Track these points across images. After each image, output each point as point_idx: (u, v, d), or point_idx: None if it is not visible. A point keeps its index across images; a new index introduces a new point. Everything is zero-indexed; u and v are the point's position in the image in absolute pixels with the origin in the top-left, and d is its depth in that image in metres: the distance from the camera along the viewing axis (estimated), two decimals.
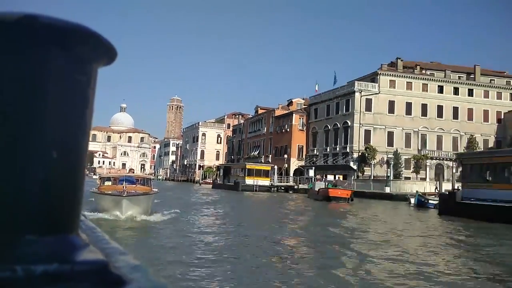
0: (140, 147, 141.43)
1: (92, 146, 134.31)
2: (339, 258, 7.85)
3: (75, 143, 0.46)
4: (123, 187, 13.29)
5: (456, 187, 19.48)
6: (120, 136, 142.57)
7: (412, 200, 26.28)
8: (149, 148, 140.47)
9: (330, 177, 38.65)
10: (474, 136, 45.95)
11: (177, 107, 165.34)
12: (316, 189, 30.55)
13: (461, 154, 25.19)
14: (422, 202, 24.23)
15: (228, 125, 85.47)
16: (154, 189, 15.84)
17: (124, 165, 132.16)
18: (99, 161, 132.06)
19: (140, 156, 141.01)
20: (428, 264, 7.49)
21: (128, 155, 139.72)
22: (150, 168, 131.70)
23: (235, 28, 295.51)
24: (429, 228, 14.80)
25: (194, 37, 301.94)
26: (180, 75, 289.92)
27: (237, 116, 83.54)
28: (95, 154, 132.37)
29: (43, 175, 0.43)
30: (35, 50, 0.42)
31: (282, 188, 45.42)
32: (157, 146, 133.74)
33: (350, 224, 14.62)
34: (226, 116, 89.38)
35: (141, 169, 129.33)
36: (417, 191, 28.78)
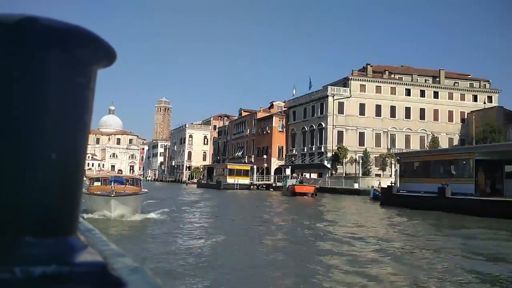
0: (129, 149, 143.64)
1: None
2: (269, 232, 11.32)
3: (74, 145, 0.47)
4: (112, 187, 13.55)
5: (394, 182, 23.17)
6: (109, 138, 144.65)
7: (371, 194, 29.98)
8: (138, 149, 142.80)
9: (306, 175, 42.32)
10: (436, 136, 49.92)
11: (165, 108, 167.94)
12: (287, 186, 34.16)
13: (399, 154, 28.94)
14: (376, 196, 27.88)
15: (214, 127, 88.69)
16: (143, 189, 16.13)
17: (113, 167, 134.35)
18: (88, 163, 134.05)
19: (129, 157, 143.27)
20: (351, 234, 10.80)
21: (117, 157, 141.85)
22: (139, 169, 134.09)
23: (223, 31, 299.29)
24: (365, 213, 18.45)
25: (181, 40, 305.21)
26: (168, 77, 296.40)
27: (223, 118, 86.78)
28: None
29: (42, 177, 0.43)
30: (34, 52, 0.42)
31: (264, 186, 48.98)
32: (146, 147, 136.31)
33: (303, 212, 18.14)
34: (212, 118, 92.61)
35: (130, 170, 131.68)
36: (372, 186, 32.54)
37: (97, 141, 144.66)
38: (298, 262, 7.27)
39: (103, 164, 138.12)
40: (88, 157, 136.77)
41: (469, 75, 58.14)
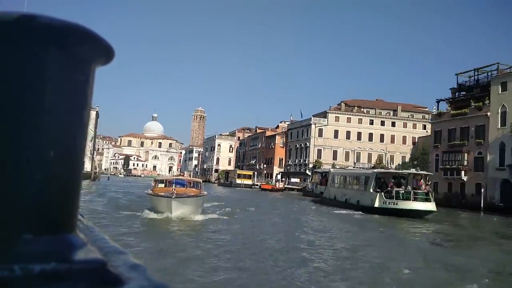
0: (169, 152, 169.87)
1: (128, 151, 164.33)
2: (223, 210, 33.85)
3: (73, 142, 0.47)
4: (173, 189, 14.65)
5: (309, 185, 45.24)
6: (151, 142, 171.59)
7: None
8: (176, 153, 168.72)
9: (293, 180, 64.60)
10: (392, 155, 70.34)
11: (201, 117, 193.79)
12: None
13: (312, 168, 50.83)
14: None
15: (238, 138, 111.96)
16: (203, 192, 17.08)
17: (155, 167, 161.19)
18: (133, 164, 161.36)
19: (168, 159, 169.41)
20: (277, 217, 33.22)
21: (158, 158, 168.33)
22: (177, 170, 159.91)
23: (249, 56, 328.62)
24: (294, 203, 40.68)
25: (220, 53, 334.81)
26: (204, 89, 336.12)
27: (246, 130, 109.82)
28: (130, 157, 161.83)
29: (40, 174, 0.44)
30: (33, 49, 0.43)
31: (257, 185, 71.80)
32: (183, 151, 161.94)
33: (258, 199, 40.51)
34: (237, 130, 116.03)
35: (169, 171, 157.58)
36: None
37: (142, 144, 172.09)
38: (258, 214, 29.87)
39: (146, 165, 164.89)
40: (134, 158, 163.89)
41: (426, 108, 78.00)
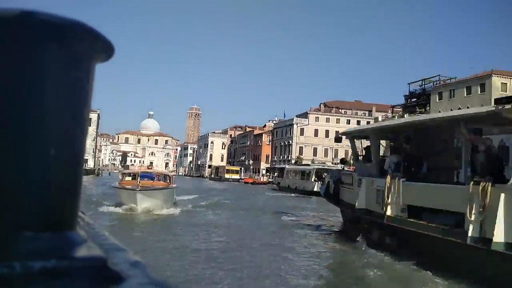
0: (165, 149, 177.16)
1: (125, 147, 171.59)
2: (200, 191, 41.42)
3: (73, 139, 0.48)
4: (137, 182, 14.59)
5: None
6: (148, 139, 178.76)
7: None
8: (172, 149, 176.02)
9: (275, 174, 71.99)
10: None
11: (196, 114, 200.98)
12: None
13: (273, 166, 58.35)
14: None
15: (230, 135, 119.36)
16: (173, 185, 17.37)
17: (151, 163, 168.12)
18: (131, 160, 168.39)
19: (165, 156, 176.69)
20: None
21: (155, 155, 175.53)
22: (173, 166, 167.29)
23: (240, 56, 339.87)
24: (260, 191, 48.38)
25: (216, 53, 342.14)
26: (199, 86, 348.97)
27: (237, 129, 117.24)
28: (128, 154, 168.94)
29: (41, 172, 0.44)
30: (32, 46, 0.43)
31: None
32: (179, 148, 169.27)
33: (234, 189, 48.05)
34: (229, 128, 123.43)
35: (165, 167, 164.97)
36: None
37: (138, 141, 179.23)
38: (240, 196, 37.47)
39: (143, 161, 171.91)
40: (131, 154, 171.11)
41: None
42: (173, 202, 16.75)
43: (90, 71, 0.49)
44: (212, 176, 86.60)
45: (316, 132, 79.23)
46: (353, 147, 12.55)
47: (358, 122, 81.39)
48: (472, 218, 6.16)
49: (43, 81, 0.44)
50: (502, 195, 5.80)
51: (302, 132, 78.92)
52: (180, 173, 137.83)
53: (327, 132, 79.28)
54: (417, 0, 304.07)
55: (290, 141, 79.60)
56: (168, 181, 18.06)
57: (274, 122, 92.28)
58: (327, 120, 79.74)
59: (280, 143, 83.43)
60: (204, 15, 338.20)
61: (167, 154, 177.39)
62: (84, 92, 0.49)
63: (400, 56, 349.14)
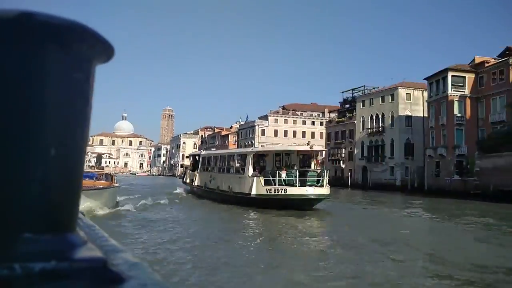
0: (139, 149, 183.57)
1: (100, 149, 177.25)
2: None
3: (73, 141, 0.48)
4: None
5: None
6: (122, 140, 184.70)
7: None
8: (146, 150, 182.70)
9: None
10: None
11: (169, 115, 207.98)
12: None
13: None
14: None
15: (201, 136, 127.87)
16: (115, 184, 17.23)
17: (126, 164, 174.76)
18: (106, 161, 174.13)
19: (139, 156, 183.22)
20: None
21: (129, 156, 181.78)
22: (147, 166, 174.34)
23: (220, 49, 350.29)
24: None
25: (186, 53, 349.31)
26: (172, 88, 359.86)
27: (208, 129, 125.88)
28: (102, 155, 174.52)
29: (41, 173, 0.45)
30: (32, 48, 0.43)
31: None
32: (153, 149, 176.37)
33: None
34: (200, 129, 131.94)
35: (140, 167, 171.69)
36: None
37: (113, 142, 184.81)
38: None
39: (118, 162, 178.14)
40: (106, 156, 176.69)
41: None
42: (114, 202, 16.61)
43: (91, 72, 0.49)
44: (182, 175, 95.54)
45: (275, 132, 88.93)
46: (191, 160, 31.35)
47: (313, 123, 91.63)
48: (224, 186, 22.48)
49: (43, 82, 0.44)
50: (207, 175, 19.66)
51: (263, 132, 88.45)
52: (154, 173, 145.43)
53: (285, 132, 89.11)
54: (363, 16, 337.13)
55: (252, 141, 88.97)
56: (110, 180, 18.04)
57: (240, 123, 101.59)
58: (285, 121, 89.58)
59: (245, 143, 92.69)
60: (176, 16, 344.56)
61: (141, 155, 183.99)
62: (85, 93, 0.49)
63: (344, 64, 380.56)
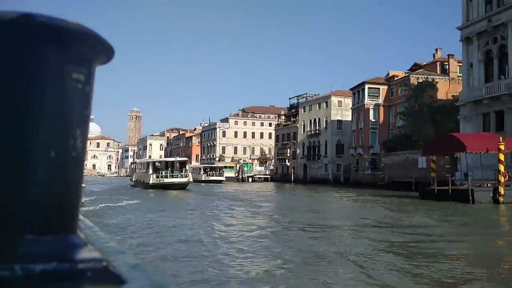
0: (107, 151, 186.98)
1: None
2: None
3: (73, 141, 0.49)
4: None
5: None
6: (90, 142, 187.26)
7: None
8: (114, 151, 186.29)
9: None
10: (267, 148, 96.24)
11: (136, 116, 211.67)
12: None
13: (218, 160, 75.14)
14: None
15: (167, 137, 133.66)
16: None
17: (94, 166, 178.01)
18: None
19: (107, 158, 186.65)
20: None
21: (97, 157, 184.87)
22: (115, 167, 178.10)
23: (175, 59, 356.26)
24: None
25: (148, 59, 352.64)
26: (140, 89, 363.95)
27: (174, 131, 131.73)
28: None
29: (41, 174, 0.45)
30: (32, 49, 0.44)
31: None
32: (120, 150, 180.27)
33: None
34: (166, 131, 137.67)
35: (108, 168, 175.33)
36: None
37: None
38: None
39: (86, 164, 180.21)
40: None
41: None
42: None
43: (90, 73, 0.50)
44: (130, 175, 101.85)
45: (235, 134, 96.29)
46: (133, 166, 47.14)
47: (270, 124, 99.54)
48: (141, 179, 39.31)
49: (43, 83, 0.45)
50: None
51: (224, 134, 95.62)
52: (122, 174, 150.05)
53: (245, 133, 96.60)
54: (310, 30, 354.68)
55: (214, 142, 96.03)
56: None
57: (204, 125, 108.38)
58: (245, 123, 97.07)
59: (207, 144, 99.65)
60: (142, 16, 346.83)
61: (109, 156, 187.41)
62: (85, 94, 0.50)
63: (295, 70, 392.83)
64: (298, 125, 62.72)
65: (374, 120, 47.34)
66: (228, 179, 60.92)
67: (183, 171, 38.57)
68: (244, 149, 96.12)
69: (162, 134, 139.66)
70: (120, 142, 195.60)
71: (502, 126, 28.52)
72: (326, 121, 57.19)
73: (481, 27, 30.85)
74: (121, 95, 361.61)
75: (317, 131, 58.40)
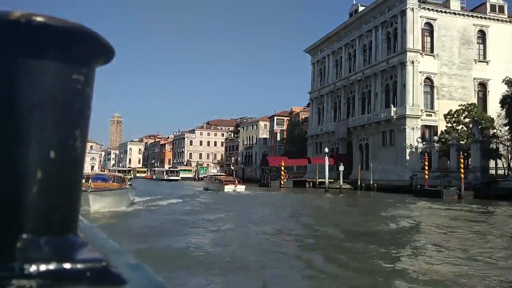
0: (90, 153, 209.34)
1: None
2: None
3: (73, 142, 0.49)
4: (89, 183, 15.33)
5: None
6: None
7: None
8: (97, 153, 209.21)
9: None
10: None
11: (117, 121, 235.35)
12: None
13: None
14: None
15: (145, 143, 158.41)
16: (126, 186, 18.74)
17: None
18: None
19: (90, 160, 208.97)
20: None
21: None
22: (98, 169, 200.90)
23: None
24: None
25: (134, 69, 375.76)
26: (122, 95, 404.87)
27: (151, 137, 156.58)
28: None
29: (41, 175, 0.46)
30: (32, 49, 0.45)
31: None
32: (103, 153, 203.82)
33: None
34: (144, 137, 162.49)
35: (91, 169, 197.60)
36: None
37: None
38: None
39: None
40: None
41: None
42: (129, 201, 18.79)
43: (90, 74, 0.51)
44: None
45: (201, 143, 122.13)
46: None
47: (230, 135, 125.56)
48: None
49: (43, 84, 0.45)
50: None
51: (191, 143, 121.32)
52: None
53: (208, 142, 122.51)
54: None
55: (183, 149, 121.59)
56: (122, 182, 20.45)
57: (176, 134, 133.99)
58: (209, 134, 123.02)
59: (178, 151, 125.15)
60: (126, 19, 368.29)
61: (93, 158, 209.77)
62: (84, 94, 0.50)
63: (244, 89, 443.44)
64: (239, 140, 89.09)
65: (279, 139, 74.03)
66: (185, 179, 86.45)
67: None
68: (208, 155, 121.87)
69: (141, 140, 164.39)
70: (102, 145, 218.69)
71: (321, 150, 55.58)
72: (256, 138, 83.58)
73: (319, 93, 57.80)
74: (102, 100, 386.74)
75: (251, 145, 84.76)
